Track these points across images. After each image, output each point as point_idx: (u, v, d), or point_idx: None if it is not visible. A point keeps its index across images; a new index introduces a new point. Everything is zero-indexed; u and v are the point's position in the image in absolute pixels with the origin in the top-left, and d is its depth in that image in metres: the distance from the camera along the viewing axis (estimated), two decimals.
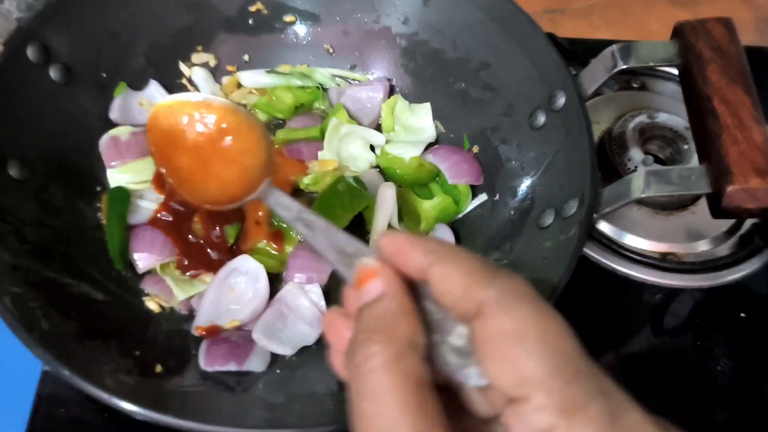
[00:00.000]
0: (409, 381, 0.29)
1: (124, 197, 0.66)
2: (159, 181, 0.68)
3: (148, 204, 0.67)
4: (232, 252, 0.65)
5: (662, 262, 0.70)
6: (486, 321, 0.30)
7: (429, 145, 0.73)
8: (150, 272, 0.64)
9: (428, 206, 0.69)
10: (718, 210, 0.54)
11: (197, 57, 0.76)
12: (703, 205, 0.74)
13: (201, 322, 0.60)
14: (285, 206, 0.42)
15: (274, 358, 0.60)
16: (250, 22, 0.76)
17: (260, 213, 0.66)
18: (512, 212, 0.66)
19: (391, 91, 0.77)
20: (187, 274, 0.64)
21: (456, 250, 0.33)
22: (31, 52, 0.62)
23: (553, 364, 0.28)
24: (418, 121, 0.74)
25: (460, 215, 0.70)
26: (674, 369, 0.66)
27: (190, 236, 0.65)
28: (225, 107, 0.49)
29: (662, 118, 0.77)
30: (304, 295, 0.62)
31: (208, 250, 0.65)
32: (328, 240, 0.38)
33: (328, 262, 0.38)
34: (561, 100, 0.62)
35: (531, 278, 0.57)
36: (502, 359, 0.29)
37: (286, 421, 0.52)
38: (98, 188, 0.67)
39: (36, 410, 0.60)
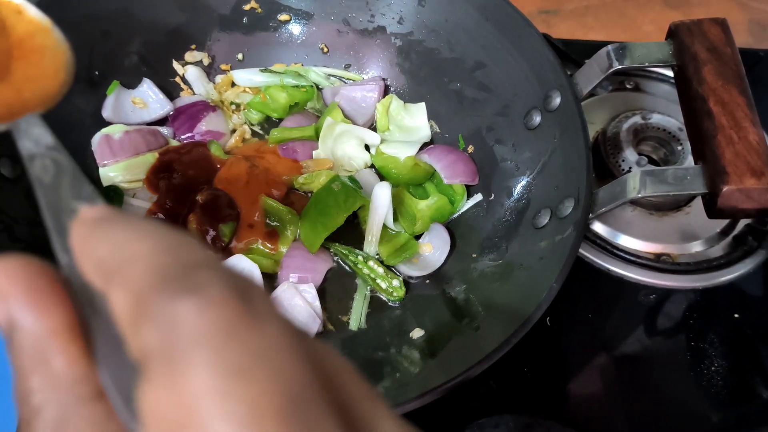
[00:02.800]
0: None
1: (116, 196, 0.65)
2: (151, 181, 0.67)
3: (141, 203, 0.67)
4: (227, 252, 0.64)
5: (656, 263, 0.70)
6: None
7: (424, 145, 0.73)
8: None
9: (423, 206, 0.69)
10: (713, 210, 0.54)
11: (191, 55, 0.75)
12: (697, 206, 0.74)
13: None
14: (35, 136, 0.28)
15: None
16: (245, 20, 0.76)
17: (256, 214, 0.66)
18: (508, 212, 0.66)
19: (386, 91, 0.77)
20: None
21: None
22: None
23: None
24: (413, 121, 0.74)
25: (456, 215, 0.70)
26: (668, 369, 0.66)
27: None
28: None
29: (656, 119, 0.77)
30: (298, 294, 0.61)
31: None
32: (67, 191, 0.24)
33: (45, 220, 0.24)
34: (556, 100, 0.62)
35: (527, 279, 0.57)
36: None
37: None
38: None
39: None
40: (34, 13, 0.35)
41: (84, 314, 0.20)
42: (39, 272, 0.19)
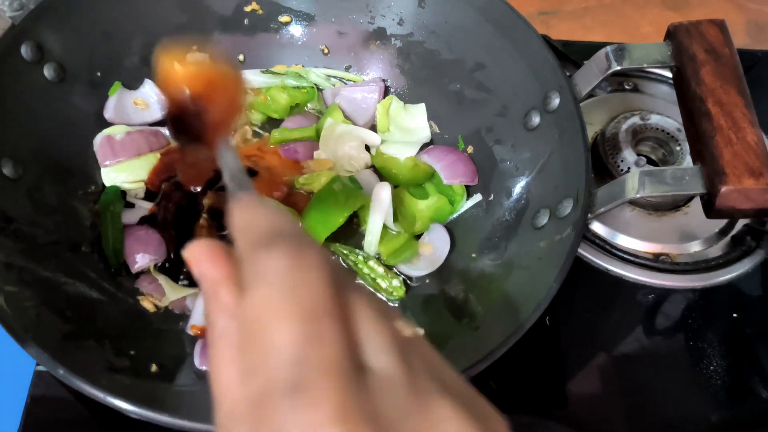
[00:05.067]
0: None
1: (118, 197, 0.66)
2: (153, 181, 0.68)
3: (143, 203, 0.67)
4: None
5: (655, 263, 0.71)
6: None
7: (424, 146, 0.73)
8: (144, 272, 0.64)
9: (423, 206, 0.69)
10: (712, 210, 0.54)
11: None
12: (695, 206, 0.74)
13: (196, 321, 0.60)
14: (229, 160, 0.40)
15: None
16: (246, 22, 0.76)
17: None
18: (507, 212, 0.66)
19: (386, 92, 0.77)
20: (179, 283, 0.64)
21: None
22: (24, 51, 0.62)
23: None
24: (413, 122, 0.74)
25: (455, 215, 0.70)
26: (667, 369, 0.66)
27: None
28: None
29: (655, 119, 0.78)
30: None
31: None
32: (240, 185, 0.37)
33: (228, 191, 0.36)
34: (555, 101, 0.63)
35: (526, 278, 0.57)
36: None
37: None
38: (92, 187, 0.67)
39: (28, 411, 0.59)
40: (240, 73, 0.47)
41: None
42: (214, 247, 0.29)
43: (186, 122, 0.44)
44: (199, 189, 0.67)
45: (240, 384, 0.25)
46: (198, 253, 0.29)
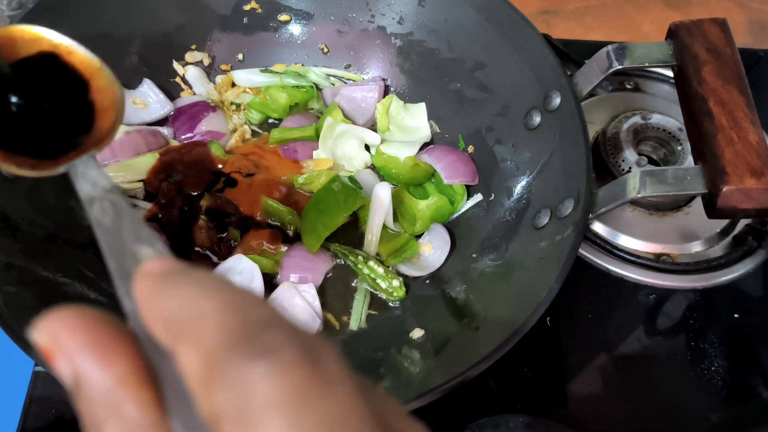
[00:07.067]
0: None
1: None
2: (152, 181, 0.67)
3: (141, 203, 0.67)
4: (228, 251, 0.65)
5: (656, 263, 0.70)
6: None
7: (424, 145, 0.73)
8: None
9: (423, 206, 0.69)
10: (713, 210, 0.54)
11: (191, 56, 0.75)
12: (696, 206, 0.74)
13: None
14: (92, 179, 0.28)
15: None
16: (245, 20, 0.76)
17: (257, 214, 0.66)
18: (508, 212, 0.66)
19: (386, 91, 0.77)
20: None
21: None
22: None
23: None
24: (413, 121, 0.74)
25: (456, 215, 0.70)
26: (668, 370, 0.66)
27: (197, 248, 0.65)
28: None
29: (656, 119, 0.77)
30: (298, 295, 0.61)
31: (207, 253, 0.65)
32: (128, 234, 0.24)
33: (107, 264, 0.24)
34: (556, 101, 0.62)
35: (527, 279, 0.57)
36: None
37: None
38: None
39: (27, 411, 0.59)
40: (83, 52, 0.34)
41: (151, 361, 0.20)
42: (98, 322, 0.20)
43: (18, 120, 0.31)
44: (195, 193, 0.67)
45: None
46: (66, 332, 0.19)
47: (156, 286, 0.20)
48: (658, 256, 0.71)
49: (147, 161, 0.68)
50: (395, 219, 0.67)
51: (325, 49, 0.78)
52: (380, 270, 0.64)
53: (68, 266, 0.59)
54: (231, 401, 0.17)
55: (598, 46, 0.64)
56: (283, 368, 0.17)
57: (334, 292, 0.65)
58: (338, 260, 0.67)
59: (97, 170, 0.28)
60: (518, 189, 0.66)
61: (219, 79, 0.76)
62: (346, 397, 0.17)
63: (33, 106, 0.31)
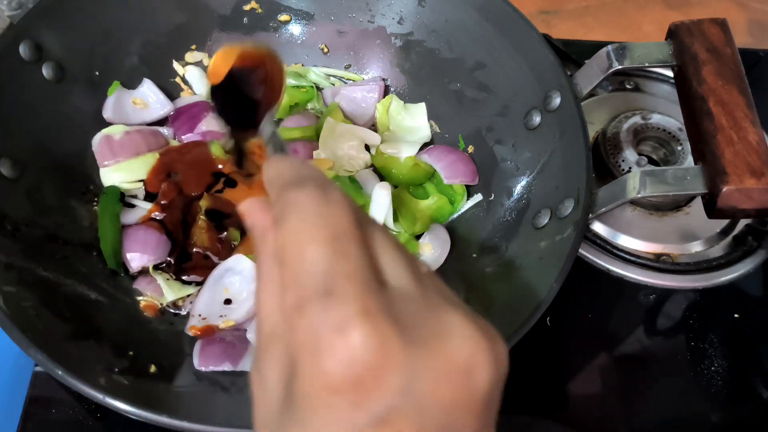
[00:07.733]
0: None
1: (117, 197, 0.65)
2: (152, 181, 0.67)
3: (142, 203, 0.67)
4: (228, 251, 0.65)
5: (656, 263, 0.70)
6: None
7: (424, 145, 0.73)
8: (143, 272, 0.63)
9: (423, 206, 0.69)
10: (713, 210, 0.54)
11: (191, 56, 0.75)
12: (696, 206, 0.74)
13: (195, 322, 0.60)
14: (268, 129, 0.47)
15: None
16: (245, 20, 0.76)
17: None
18: (508, 212, 0.66)
19: (386, 91, 0.77)
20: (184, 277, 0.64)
21: None
22: (23, 50, 0.62)
23: None
24: (413, 121, 0.74)
25: (456, 215, 0.70)
26: (668, 370, 0.66)
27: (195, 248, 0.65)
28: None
29: (656, 119, 0.77)
30: None
31: (207, 254, 0.65)
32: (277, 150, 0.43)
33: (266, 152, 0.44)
34: (556, 101, 0.62)
35: (527, 279, 0.57)
36: None
37: None
38: (91, 187, 0.66)
39: (27, 412, 0.59)
40: (266, 47, 0.53)
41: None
42: (264, 202, 0.34)
43: (235, 100, 0.51)
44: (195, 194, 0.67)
45: (278, 307, 0.29)
46: (251, 206, 0.34)
47: (272, 164, 0.35)
48: (658, 256, 0.71)
49: (147, 161, 0.68)
50: (395, 219, 0.67)
51: (325, 49, 0.78)
52: None
53: (68, 266, 0.59)
54: (283, 210, 0.30)
55: (598, 46, 0.64)
56: (307, 192, 0.30)
57: None
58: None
59: (270, 123, 0.47)
60: (518, 189, 0.66)
61: None
62: (338, 208, 0.29)
63: (244, 94, 0.51)
